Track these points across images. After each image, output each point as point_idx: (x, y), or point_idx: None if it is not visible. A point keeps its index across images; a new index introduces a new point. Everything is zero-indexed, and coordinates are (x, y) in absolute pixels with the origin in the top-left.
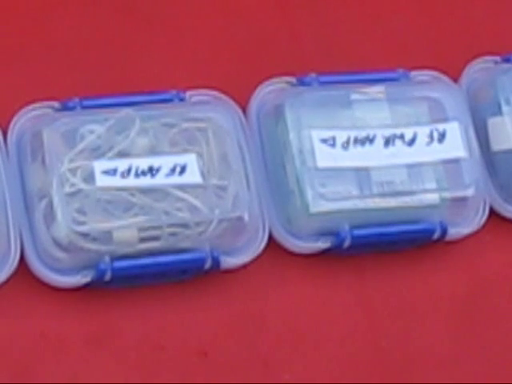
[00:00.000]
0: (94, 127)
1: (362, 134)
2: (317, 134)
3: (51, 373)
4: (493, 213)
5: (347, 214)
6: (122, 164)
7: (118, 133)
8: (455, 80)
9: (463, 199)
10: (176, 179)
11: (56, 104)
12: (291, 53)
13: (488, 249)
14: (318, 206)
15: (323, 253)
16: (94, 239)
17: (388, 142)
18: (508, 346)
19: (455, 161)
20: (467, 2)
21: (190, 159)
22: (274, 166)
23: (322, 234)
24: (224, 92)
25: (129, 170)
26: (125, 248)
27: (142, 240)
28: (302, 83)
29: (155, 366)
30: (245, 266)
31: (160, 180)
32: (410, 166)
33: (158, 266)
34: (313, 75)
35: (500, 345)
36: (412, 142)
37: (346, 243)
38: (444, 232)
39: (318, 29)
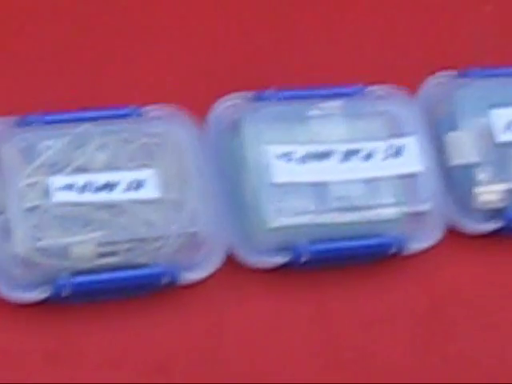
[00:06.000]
0: (52, 142)
1: (319, 149)
2: (274, 149)
3: None
4: (450, 227)
5: (305, 228)
6: (79, 179)
7: (75, 148)
8: (412, 95)
9: (421, 214)
10: (134, 194)
11: (14, 119)
12: (250, 68)
13: (446, 263)
14: (276, 221)
15: (281, 268)
16: (52, 255)
17: (345, 156)
18: (467, 359)
19: (412, 175)
20: (424, 17)
21: (148, 174)
22: (232, 181)
23: (281, 248)
24: (182, 107)
25: (87, 186)
26: (83, 263)
27: (101, 255)
28: (260, 98)
29: (114, 382)
30: (203, 282)
31: (118, 195)
32: (367, 181)
33: (115, 281)
34: (271, 90)
35: (459, 358)
36: (369, 156)
37: (304, 258)
38: (401, 246)
39: (277, 44)
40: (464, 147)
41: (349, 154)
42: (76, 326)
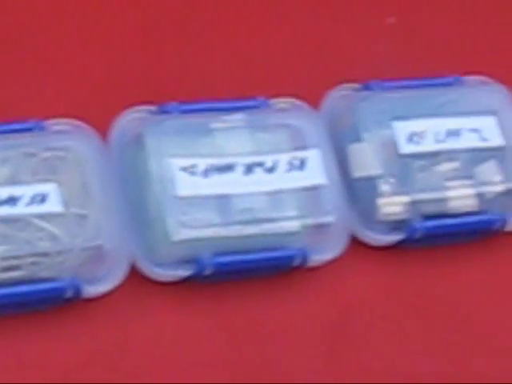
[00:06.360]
0: None
1: (223, 161)
2: (177, 162)
3: None
4: (354, 239)
5: (209, 241)
6: None
7: None
8: (315, 107)
9: (324, 226)
10: (37, 208)
11: None
12: (153, 81)
13: (349, 274)
14: (180, 234)
15: (186, 280)
16: None
17: (248, 169)
18: (371, 370)
19: (316, 188)
20: (326, 29)
21: (51, 188)
22: (136, 194)
23: (185, 261)
24: (85, 121)
25: None
26: None
27: (4, 270)
28: (162, 111)
29: None
30: (107, 295)
31: (21, 209)
32: (270, 194)
33: (18, 295)
34: (174, 103)
35: (364, 369)
36: (272, 169)
37: (208, 271)
38: (305, 258)
39: (179, 57)
40: (366, 159)
41: (252, 167)
42: None
